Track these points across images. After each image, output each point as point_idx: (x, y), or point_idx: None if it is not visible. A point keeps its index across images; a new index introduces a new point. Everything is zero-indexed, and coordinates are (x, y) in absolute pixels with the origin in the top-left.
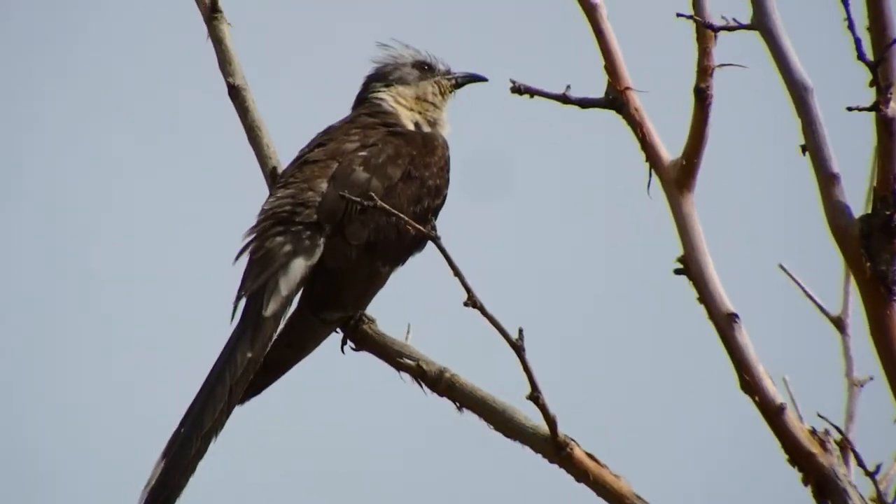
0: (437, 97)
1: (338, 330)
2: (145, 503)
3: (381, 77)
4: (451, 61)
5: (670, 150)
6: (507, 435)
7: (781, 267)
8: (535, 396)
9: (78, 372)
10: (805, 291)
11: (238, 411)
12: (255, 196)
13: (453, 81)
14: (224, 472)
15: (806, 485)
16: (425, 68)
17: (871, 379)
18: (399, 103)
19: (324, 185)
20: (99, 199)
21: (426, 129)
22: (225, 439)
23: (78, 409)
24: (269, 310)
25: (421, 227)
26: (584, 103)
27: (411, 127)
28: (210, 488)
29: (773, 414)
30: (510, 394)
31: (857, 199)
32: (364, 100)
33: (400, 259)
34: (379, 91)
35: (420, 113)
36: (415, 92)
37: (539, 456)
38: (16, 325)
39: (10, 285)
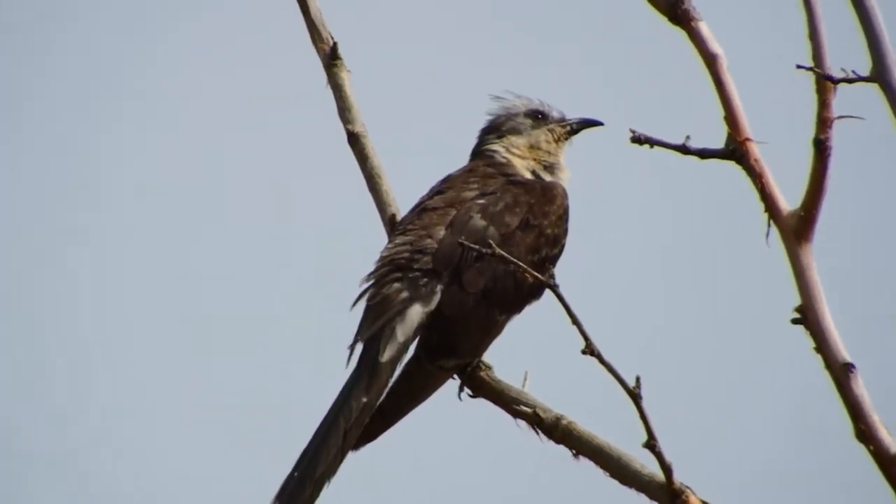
0: (551, 144)
1: (454, 377)
2: None
3: (494, 129)
4: (567, 109)
5: (789, 201)
6: (622, 482)
7: None
8: (651, 444)
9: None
10: None
11: (351, 457)
12: (374, 243)
13: (568, 128)
14: None
15: None
16: (539, 117)
17: None
18: (512, 153)
19: (442, 233)
20: (218, 243)
21: (545, 176)
22: (337, 485)
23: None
24: (386, 356)
25: (539, 275)
26: (704, 154)
27: (528, 176)
28: None
29: (887, 463)
30: (627, 441)
31: None
32: (478, 153)
33: (517, 307)
34: (492, 143)
35: (535, 161)
36: (528, 141)
37: (654, 503)
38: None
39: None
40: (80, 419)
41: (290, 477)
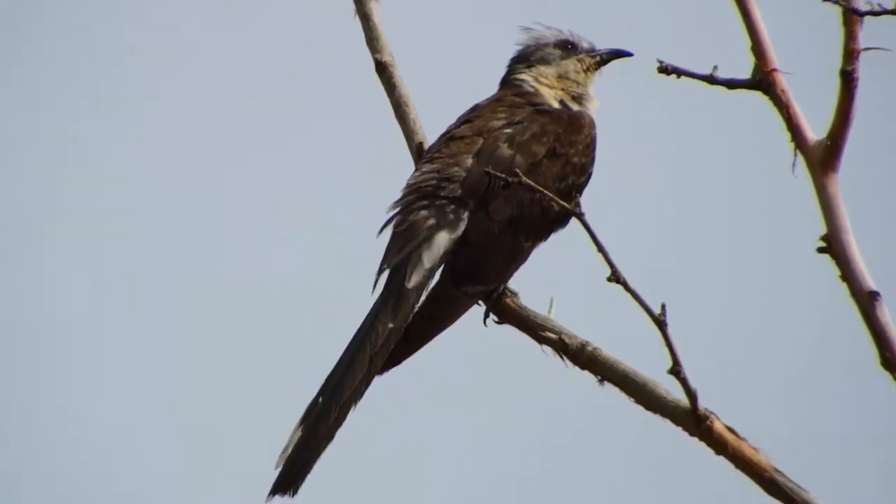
0: (580, 74)
1: (480, 303)
2: (282, 470)
3: (523, 59)
4: (596, 40)
5: (816, 131)
6: (647, 408)
7: None
8: (676, 370)
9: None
10: None
11: (376, 381)
12: (401, 172)
13: (597, 58)
14: (361, 441)
15: None
16: (568, 47)
17: None
18: (540, 83)
19: (469, 161)
20: (246, 174)
21: (573, 106)
22: (362, 409)
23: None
24: (412, 282)
25: (565, 204)
26: (731, 84)
27: (556, 105)
28: (346, 457)
29: None
30: (651, 367)
31: None
32: (506, 82)
33: (543, 234)
34: (520, 72)
35: (563, 90)
36: (556, 71)
37: (679, 429)
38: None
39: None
40: (80, 420)
41: (315, 401)
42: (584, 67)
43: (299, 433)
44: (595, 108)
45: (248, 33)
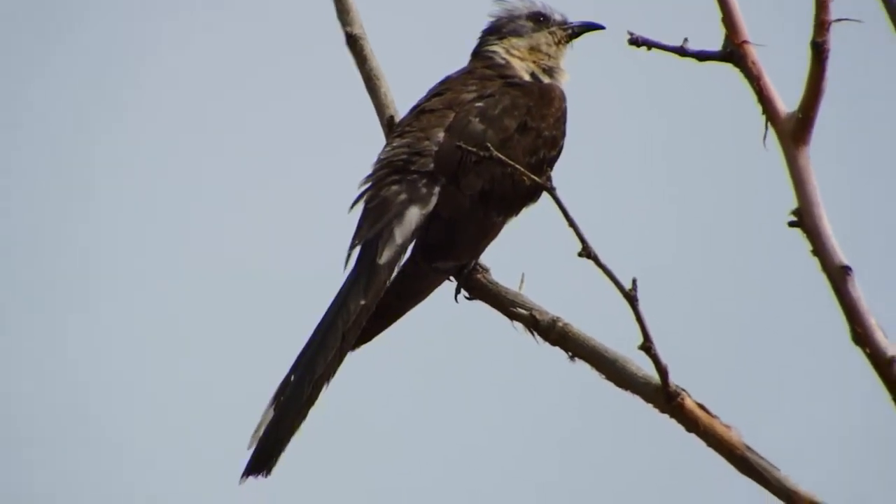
0: (552, 47)
1: (451, 279)
2: (255, 451)
3: (495, 30)
4: (568, 13)
5: (787, 103)
6: (618, 384)
7: None
8: (647, 346)
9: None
10: None
11: (350, 357)
12: (372, 145)
13: (569, 31)
14: (334, 418)
15: None
16: (540, 20)
17: None
18: (511, 55)
19: (440, 135)
20: (215, 148)
21: (544, 79)
22: (334, 386)
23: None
24: (384, 257)
25: (536, 178)
26: (702, 56)
27: (527, 78)
28: (319, 434)
29: (883, 366)
30: (622, 344)
31: None
32: (477, 54)
33: (514, 209)
34: (492, 44)
35: (535, 63)
36: (528, 43)
37: (650, 406)
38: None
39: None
40: (78, 419)
41: (287, 378)
42: (556, 40)
43: (272, 412)
44: (566, 82)
45: (218, 6)
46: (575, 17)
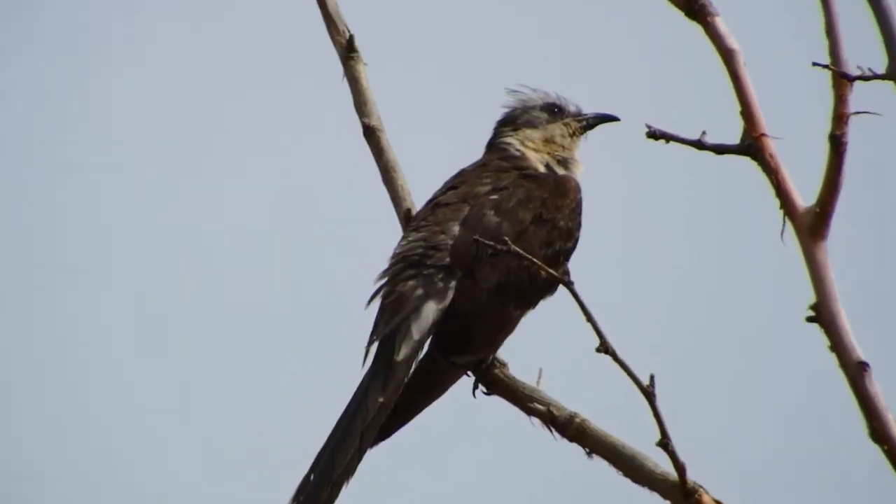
0: (566, 139)
1: (469, 374)
2: None
3: (510, 122)
4: (583, 104)
5: (805, 197)
6: (635, 481)
7: None
8: (664, 443)
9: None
10: None
11: (368, 455)
12: (389, 238)
13: (584, 123)
14: None
15: None
16: (555, 111)
17: None
18: (526, 146)
19: (455, 229)
20: (231, 237)
21: (559, 170)
22: (355, 483)
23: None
24: (402, 354)
25: (553, 272)
26: (720, 149)
27: (542, 169)
28: None
29: None
30: (640, 439)
31: None
32: (492, 145)
33: (531, 302)
34: (506, 136)
35: (549, 154)
36: (543, 134)
37: (667, 502)
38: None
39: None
40: (78, 419)
41: (307, 478)
42: (571, 132)
43: None
44: (581, 173)
45: (240, 94)
46: (590, 109)
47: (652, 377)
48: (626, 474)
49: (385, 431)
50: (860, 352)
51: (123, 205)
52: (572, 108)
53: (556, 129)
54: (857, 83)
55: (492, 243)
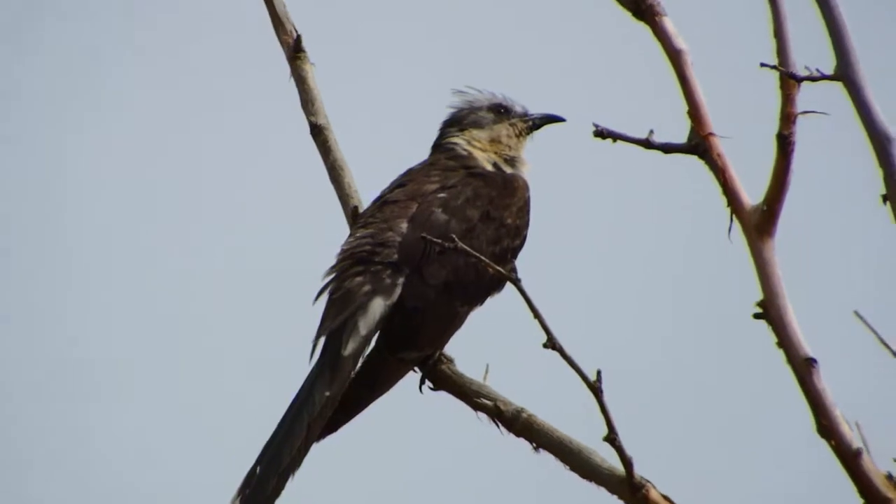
0: (513, 139)
1: (415, 369)
2: None
3: (456, 122)
4: (530, 104)
5: (752, 196)
6: (582, 476)
7: (857, 314)
8: (611, 438)
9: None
10: (880, 338)
11: (313, 449)
12: (335, 235)
13: (530, 123)
14: None
15: None
16: (501, 111)
17: None
18: (473, 146)
19: (403, 226)
20: (180, 233)
21: (506, 169)
22: (300, 477)
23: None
24: (348, 349)
25: (501, 269)
26: (667, 148)
27: (490, 168)
28: None
29: (849, 458)
30: (587, 434)
31: None
32: (439, 146)
33: (479, 299)
34: (453, 136)
35: (496, 154)
36: (489, 135)
37: (614, 497)
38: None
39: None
40: (78, 418)
41: (253, 470)
42: (517, 132)
43: (238, 503)
44: (528, 171)
45: (186, 93)
46: (536, 109)
47: (599, 373)
48: (574, 469)
49: (332, 426)
50: (807, 348)
51: (70, 204)
52: (518, 109)
53: (503, 130)
54: (806, 84)
55: (440, 241)
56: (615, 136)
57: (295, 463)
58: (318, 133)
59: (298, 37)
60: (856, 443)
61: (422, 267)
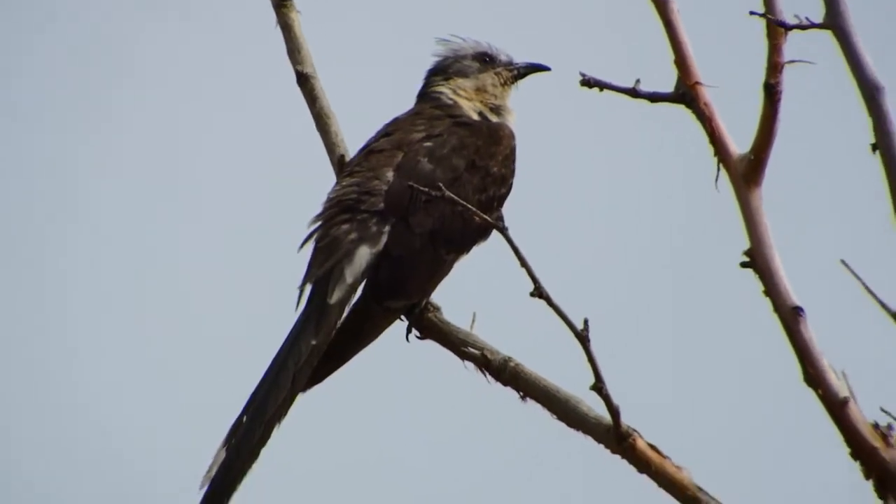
0: (498, 88)
1: (402, 318)
2: (207, 490)
3: (441, 71)
4: (516, 53)
5: (739, 145)
6: (569, 425)
7: (843, 263)
8: (598, 387)
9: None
10: (867, 288)
11: (300, 399)
12: (322, 184)
13: (514, 72)
14: (285, 459)
15: (868, 479)
16: (486, 60)
17: None
18: (458, 95)
19: (389, 174)
20: (166, 181)
21: (492, 118)
22: (286, 427)
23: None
24: (334, 297)
25: (487, 217)
26: (654, 98)
27: (475, 117)
28: (271, 476)
29: (836, 407)
30: (574, 383)
31: None
32: (424, 94)
33: (464, 247)
34: (438, 85)
35: (482, 103)
36: (474, 83)
37: (601, 446)
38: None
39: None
40: (78, 418)
41: (240, 419)
42: (502, 81)
43: (224, 453)
44: (513, 120)
45: (171, 43)
46: (522, 58)
47: (586, 321)
48: (561, 418)
49: (318, 375)
50: (794, 297)
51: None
52: (503, 58)
53: (488, 79)
54: (795, 33)
55: (426, 189)
56: (601, 86)
57: (280, 412)
58: (305, 82)
59: None
60: (842, 392)
61: (408, 215)
